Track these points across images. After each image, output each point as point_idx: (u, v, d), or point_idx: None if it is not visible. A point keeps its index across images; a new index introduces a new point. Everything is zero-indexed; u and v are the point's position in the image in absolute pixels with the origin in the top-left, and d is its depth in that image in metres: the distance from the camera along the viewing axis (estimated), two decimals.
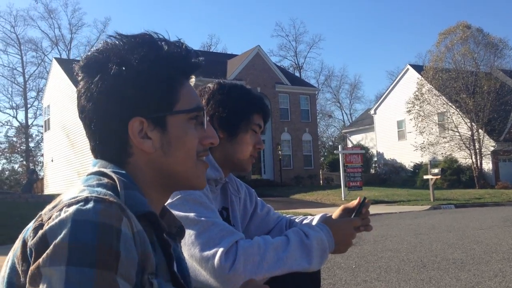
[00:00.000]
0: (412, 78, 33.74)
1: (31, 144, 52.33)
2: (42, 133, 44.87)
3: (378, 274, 5.97)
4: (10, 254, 0.81)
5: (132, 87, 0.89)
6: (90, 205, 0.74)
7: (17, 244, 0.79)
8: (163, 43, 0.94)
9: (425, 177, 21.41)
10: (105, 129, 0.92)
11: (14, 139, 52.37)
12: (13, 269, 0.78)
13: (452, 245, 8.18)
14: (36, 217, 0.80)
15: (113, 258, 0.72)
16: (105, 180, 0.86)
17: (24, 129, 51.71)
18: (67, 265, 0.69)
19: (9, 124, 54.13)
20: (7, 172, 51.50)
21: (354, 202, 1.82)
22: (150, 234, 0.85)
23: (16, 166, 52.54)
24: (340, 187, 20.92)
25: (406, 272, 6.06)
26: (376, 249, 8.04)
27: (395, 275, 5.91)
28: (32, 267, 0.72)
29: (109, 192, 0.81)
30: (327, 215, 1.90)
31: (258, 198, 2.14)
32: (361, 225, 1.75)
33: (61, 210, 0.75)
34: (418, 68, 33.65)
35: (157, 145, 0.91)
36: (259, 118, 1.87)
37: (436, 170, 20.37)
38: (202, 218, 1.55)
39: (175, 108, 0.92)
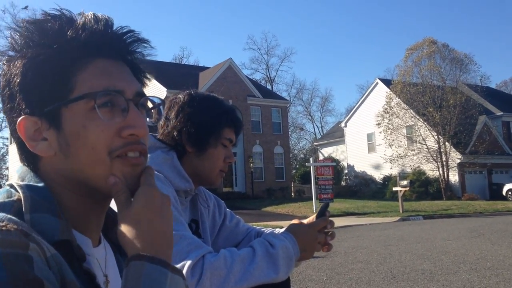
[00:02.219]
0: (381, 92, 34.41)
1: None
2: (7, 145, 43.70)
3: (349, 286, 5.98)
4: None
5: (22, 81, 0.75)
6: None
7: None
8: (61, 22, 0.77)
9: (394, 189, 21.75)
10: (13, 129, 0.78)
11: None
12: None
13: (421, 256, 8.29)
14: None
15: (35, 285, 0.59)
16: (15, 196, 0.72)
17: None
18: None
19: None
20: None
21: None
22: (72, 262, 0.71)
23: None
24: (312, 199, 21.01)
25: (377, 283, 6.09)
26: (347, 260, 8.08)
27: (366, 286, 5.93)
28: None
29: (9, 216, 0.66)
30: (293, 223, 1.86)
31: (227, 210, 2.10)
32: (325, 227, 1.72)
33: None
34: (387, 82, 34.38)
35: (55, 146, 0.75)
36: (230, 132, 1.82)
37: (404, 182, 20.70)
38: None
39: (70, 96, 0.74)
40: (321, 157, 40.54)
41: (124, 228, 0.73)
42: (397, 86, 30.73)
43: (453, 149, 29.75)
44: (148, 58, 0.87)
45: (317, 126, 66.45)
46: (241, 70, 33.83)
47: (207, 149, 1.75)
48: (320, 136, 55.69)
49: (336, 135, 42.63)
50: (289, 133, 39.62)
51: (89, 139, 0.74)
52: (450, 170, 29.69)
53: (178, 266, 1.42)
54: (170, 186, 1.68)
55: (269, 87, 54.70)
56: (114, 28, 0.80)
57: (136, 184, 0.77)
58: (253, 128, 32.26)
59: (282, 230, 1.97)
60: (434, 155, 29.76)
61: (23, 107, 0.75)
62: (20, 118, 0.75)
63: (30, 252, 0.61)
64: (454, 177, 30.43)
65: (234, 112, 1.90)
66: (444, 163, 29.38)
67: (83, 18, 0.79)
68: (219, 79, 31.11)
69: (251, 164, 30.56)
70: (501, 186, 29.81)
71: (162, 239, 0.73)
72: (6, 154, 45.36)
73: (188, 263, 1.42)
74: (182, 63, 52.30)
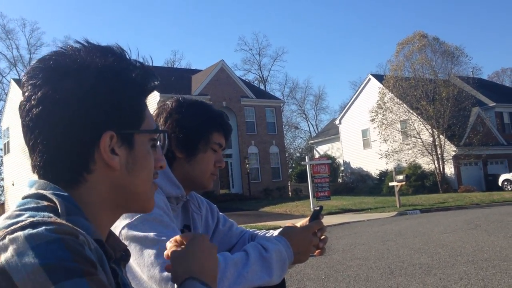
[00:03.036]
0: (374, 87, 34.51)
1: None
2: (1, 156, 43.46)
3: (348, 284, 6.01)
4: None
5: (110, 97, 0.82)
6: (41, 227, 0.66)
7: None
8: (132, 59, 0.90)
9: (390, 184, 21.80)
10: (65, 142, 0.81)
11: None
12: None
13: (418, 250, 8.34)
14: None
15: (90, 264, 0.68)
16: (45, 203, 0.77)
17: None
18: (55, 284, 0.63)
19: None
20: None
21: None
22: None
23: None
24: (309, 198, 21.03)
25: (375, 279, 6.12)
26: (345, 258, 8.11)
27: (364, 283, 5.96)
28: None
29: (53, 215, 0.73)
30: (287, 226, 1.88)
31: (220, 214, 2.11)
32: (318, 231, 1.74)
33: (3, 238, 0.66)
34: (380, 78, 34.48)
35: (123, 162, 0.86)
36: (219, 136, 1.83)
37: (401, 177, 20.77)
38: (163, 238, 1.51)
39: (142, 127, 0.88)
40: (316, 155, 40.61)
41: (179, 260, 0.95)
42: (390, 81, 30.82)
43: (448, 142, 29.86)
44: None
45: (311, 124, 66.56)
46: (234, 72, 33.85)
47: (197, 154, 1.76)
48: (315, 134, 55.77)
49: (331, 132, 42.71)
50: (284, 132, 39.67)
51: (149, 163, 0.90)
52: (445, 163, 29.81)
53: None
54: (162, 194, 1.70)
55: (262, 87, 54.73)
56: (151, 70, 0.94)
57: None
58: (248, 129, 32.27)
59: (276, 232, 1.99)
60: (429, 149, 29.87)
61: (103, 122, 0.83)
62: (106, 132, 0.83)
63: (80, 240, 0.70)
64: (449, 169, 30.55)
65: (222, 117, 1.92)
66: (439, 156, 29.49)
67: (147, 65, 0.92)
68: (211, 81, 31.10)
69: (247, 165, 30.57)
70: (497, 177, 29.96)
71: (211, 272, 0.94)
72: (1, 165, 45.12)
73: None
74: (174, 66, 52.25)
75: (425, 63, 31.22)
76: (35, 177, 0.86)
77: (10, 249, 0.65)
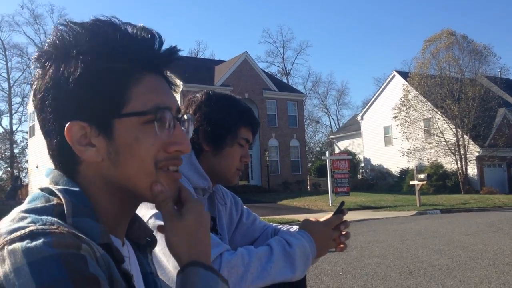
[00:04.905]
0: (398, 84, 34.04)
1: (16, 150, 51.66)
2: (27, 139, 44.38)
3: (365, 281, 5.97)
4: None
5: (75, 86, 0.76)
6: (39, 240, 0.63)
7: None
8: (114, 30, 0.78)
9: (411, 182, 21.54)
10: (51, 132, 0.79)
11: None
12: None
13: (438, 251, 8.23)
14: None
15: (93, 284, 0.63)
16: (54, 201, 0.74)
17: (8, 135, 50.99)
18: None
19: None
20: None
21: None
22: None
23: (0, 172, 51.87)
24: (328, 192, 20.94)
25: (393, 279, 6.07)
26: (363, 255, 8.06)
27: (382, 282, 5.92)
28: None
29: (56, 219, 0.69)
30: (307, 219, 1.86)
31: (244, 207, 2.12)
32: (340, 225, 1.73)
33: (2, 249, 0.64)
34: (404, 75, 33.97)
35: (103, 153, 0.77)
36: (247, 131, 1.83)
37: (422, 176, 20.50)
38: None
39: (125, 110, 0.77)
40: (337, 151, 40.35)
41: (178, 239, 0.81)
42: (415, 79, 30.35)
43: (472, 142, 29.33)
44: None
45: (333, 119, 66.16)
46: (257, 63, 33.78)
47: (224, 148, 1.76)
48: (336, 129, 55.38)
49: (352, 128, 42.35)
50: (305, 126, 39.50)
51: (140, 151, 0.77)
52: (468, 163, 29.30)
53: None
54: (189, 185, 1.71)
55: (284, 80, 54.50)
56: (162, 44, 0.82)
57: (174, 196, 0.83)
58: (269, 121, 32.22)
59: (297, 228, 1.98)
60: (452, 148, 29.39)
61: (71, 111, 0.77)
62: (69, 123, 0.76)
63: (83, 252, 0.65)
64: (472, 170, 30.03)
65: (251, 112, 1.91)
66: (463, 156, 29.00)
67: (135, 30, 0.80)
68: (234, 72, 31.09)
69: (267, 158, 30.56)
70: None
71: (209, 250, 0.83)
72: (26, 148, 46.06)
73: None
74: (198, 56, 52.39)
75: (451, 61, 30.66)
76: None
77: (8, 263, 0.62)
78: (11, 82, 51.84)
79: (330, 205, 19.91)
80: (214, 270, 0.79)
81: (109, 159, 0.77)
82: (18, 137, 52.37)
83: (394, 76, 36.20)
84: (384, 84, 37.59)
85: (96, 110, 0.76)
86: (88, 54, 0.76)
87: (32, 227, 0.65)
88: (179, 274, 0.78)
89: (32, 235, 0.64)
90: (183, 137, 0.82)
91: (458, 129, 29.08)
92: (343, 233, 1.83)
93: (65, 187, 0.77)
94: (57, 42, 0.79)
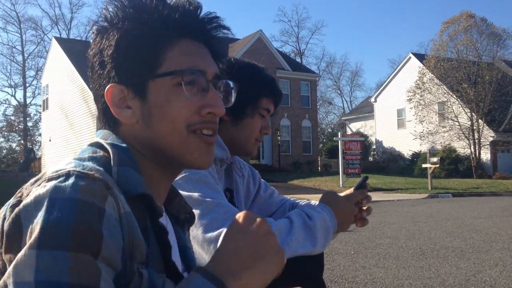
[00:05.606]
0: (413, 67, 33.55)
1: (29, 123, 52.22)
2: (40, 112, 44.71)
3: (377, 261, 5.94)
4: None
5: (114, 51, 0.81)
6: (70, 181, 0.66)
7: None
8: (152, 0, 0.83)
9: (423, 165, 21.40)
10: (99, 96, 0.84)
11: (12, 117, 52.20)
12: None
13: (451, 233, 8.16)
14: (17, 192, 0.70)
15: (93, 239, 0.62)
16: (101, 153, 0.78)
17: (22, 108, 51.45)
18: (38, 249, 0.60)
19: (7, 102, 54.04)
20: (4, 151, 51.54)
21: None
22: (143, 219, 0.75)
23: (13, 145, 52.52)
24: (338, 173, 20.91)
25: (405, 259, 6.03)
26: (374, 235, 8.03)
27: (394, 261, 5.88)
28: (4, 254, 0.64)
29: (98, 167, 0.72)
30: (328, 192, 1.81)
31: (262, 180, 2.07)
32: (362, 201, 1.69)
33: (39, 185, 0.67)
34: (420, 57, 33.45)
35: (138, 115, 0.80)
36: (269, 102, 1.78)
37: (435, 159, 20.34)
38: (207, 199, 1.48)
39: (158, 71, 0.80)
40: (349, 132, 40.15)
41: (223, 247, 0.74)
42: (431, 61, 29.85)
43: (486, 127, 28.94)
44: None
45: (346, 100, 65.84)
46: (271, 42, 33.46)
47: (244, 118, 1.71)
48: (348, 110, 55.04)
49: (365, 110, 42.01)
50: (318, 107, 39.28)
51: (171, 113, 0.80)
52: (482, 148, 28.98)
53: (214, 233, 1.42)
54: (224, 150, 1.67)
55: (298, 60, 54.04)
56: (202, 12, 0.86)
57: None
58: (282, 101, 32.09)
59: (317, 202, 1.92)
60: (466, 133, 29.05)
61: (112, 75, 0.81)
62: (109, 86, 0.81)
63: (106, 205, 0.66)
64: (486, 155, 29.70)
65: (274, 82, 1.85)
66: (476, 141, 28.67)
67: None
68: (248, 50, 30.85)
69: (279, 137, 30.51)
70: None
71: (239, 275, 0.71)
72: (39, 121, 46.44)
73: (225, 230, 1.40)
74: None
75: (469, 44, 30.08)
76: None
77: (35, 194, 0.65)
78: (25, 55, 52.07)
79: (341, 186, 19.88)
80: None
81: (143, 121, 0.80)
82: (31, 110, 53.01)
83: (410, 58, 35.65)
84: (399, 66, 37.07)
85: (132, 73, 0.80)
86: (128, 21, 0.82)
87: (71, 169, 0.69)
88: (198, 272, 0.70)
89: (67, 176, 0.67)
90: (216, 99, 0.83)
91: (473, 113, 28.69)
92: (365, 208, 1.78)
93: (114, 142, 0.81)
94: (108, 15, 0.84)
